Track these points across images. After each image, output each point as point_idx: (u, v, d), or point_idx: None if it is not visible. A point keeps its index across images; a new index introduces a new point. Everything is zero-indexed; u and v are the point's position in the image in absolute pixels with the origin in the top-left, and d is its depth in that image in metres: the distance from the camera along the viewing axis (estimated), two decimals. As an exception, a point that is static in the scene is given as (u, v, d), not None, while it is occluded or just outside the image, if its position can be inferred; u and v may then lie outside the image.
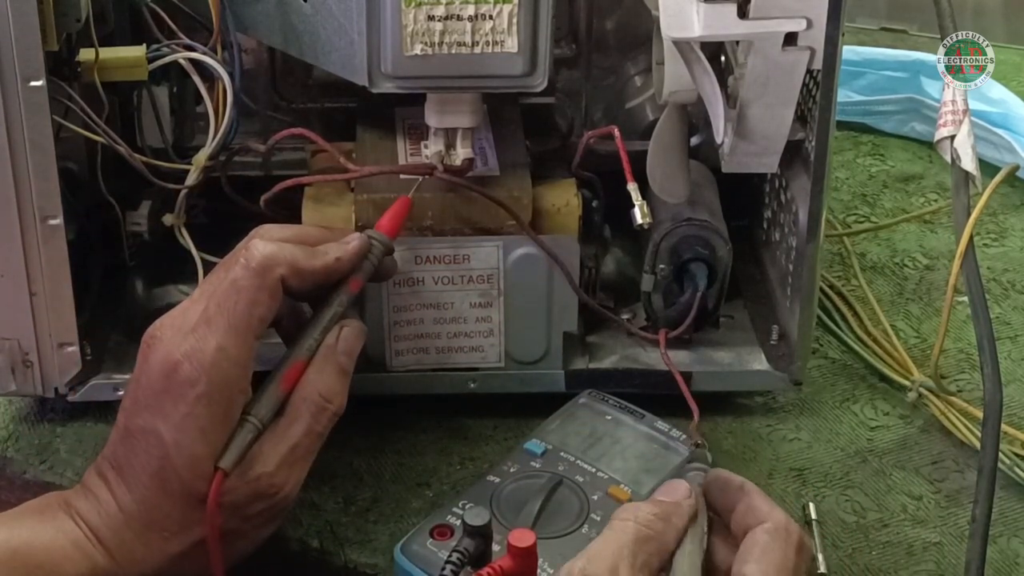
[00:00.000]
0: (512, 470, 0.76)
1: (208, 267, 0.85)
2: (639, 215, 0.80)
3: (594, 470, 0.76)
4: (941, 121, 0.72)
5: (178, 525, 0.68)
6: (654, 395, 0.82)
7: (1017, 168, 0.90)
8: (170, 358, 0.67)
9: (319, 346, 0.72)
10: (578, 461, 0.77)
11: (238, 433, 0.68)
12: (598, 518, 0.73)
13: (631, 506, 0.65)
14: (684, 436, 0.78)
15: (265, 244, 0.71)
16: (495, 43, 0.74)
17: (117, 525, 0.68)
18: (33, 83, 0.73)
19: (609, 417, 0.81)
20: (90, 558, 0.67)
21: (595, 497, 0.74)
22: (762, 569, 0.61)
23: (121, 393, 0.82)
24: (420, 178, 0.80)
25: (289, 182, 0.81)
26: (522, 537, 0.65)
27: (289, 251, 0.71)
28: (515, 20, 0.74)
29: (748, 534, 0.63)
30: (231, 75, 0.80)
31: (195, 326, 0.68)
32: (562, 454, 0.77)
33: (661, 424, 0.80)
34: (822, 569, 0.74)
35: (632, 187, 0.80)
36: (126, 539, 0.67)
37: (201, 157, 0.82)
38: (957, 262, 0.71)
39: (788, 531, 0.63)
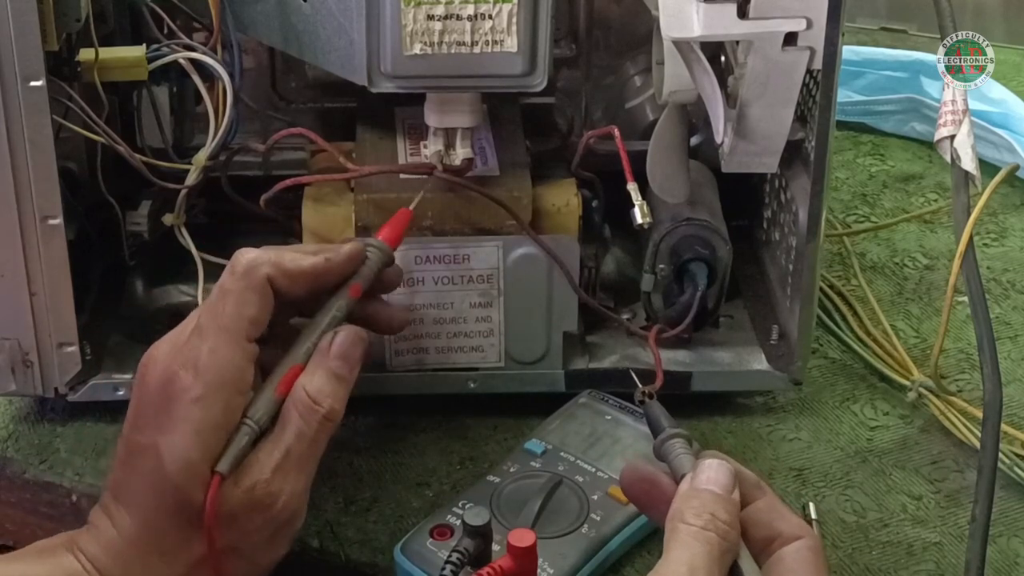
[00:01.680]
0: (512, 470, 0.76)
1: (208, 267, 0.85)
2: (639, 215, 0.80)
3: (594, 470, 0.76)
4: (941, 121, 0.72)
5: (177, 543, 0.66)
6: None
7: (1017, 168, 0.90)
8: (167, 371, 0.67)
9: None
10: (578, 461, 0.77)
11: (235, 436, 0.67)
12: (598, 518, 0.73)
13: (702, 504, 0.61)
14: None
15: (249, 250, 0.71)
16: (495, 43, 0.74)
17: (117, 553, 0.66)
18: (33, 83, 0.73)
19: (609, 417, 0.81)
20: None
21: (595, 497, 0.74)
22: None
23: (121, 393, 0.83)
24: (426, 182, 0.80)
25: (289, 182, 0.81)
26: (522, 537, 0.65)
27: (274, 252, 0.71)
28: (515, 20, 0.74)
29: (790, 547, 0.61)
30: (231, 75, 0.80)
31: (188, 338, 0.68)
32: (562, 454, 0.77)
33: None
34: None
35: (632, 187, 0.80)
36: (127, 566, 0.66)
37: (201, 157, 0.82)
38: (957, 262, 0.71)
39: (820, 548, 0.62)
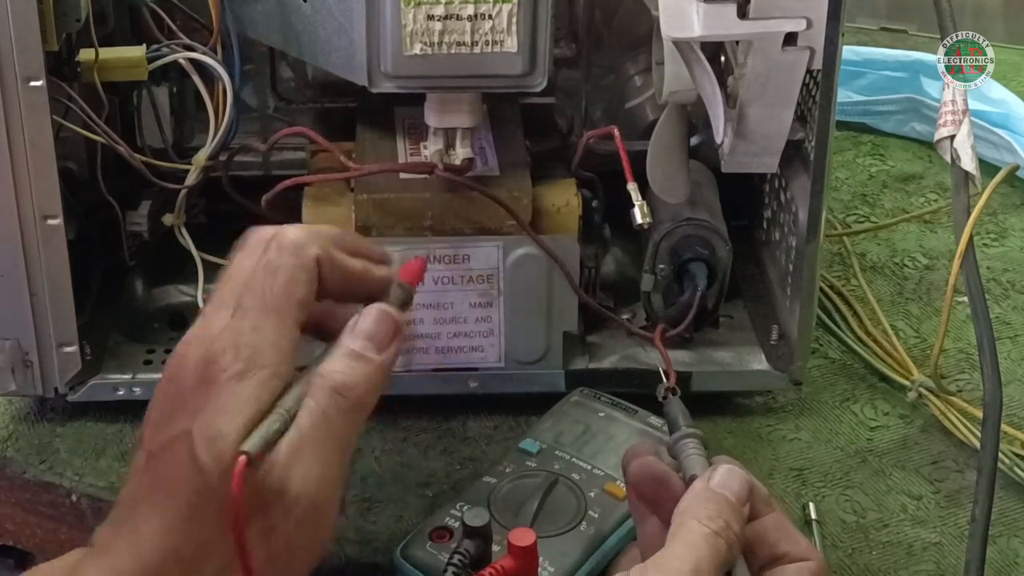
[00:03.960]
0: (508, 470, 0.76)
1: (208, 267, 0.85)
2: (639, 215, 0.80)
3: (590, 467, 0.76)
4: (941, 121, 0.72)
5: (204, 548, 0.58)
6: (654, 395, 0.82)
7: (1017, 168, 0.90)
8: (206, 356, 0.60)
9: None
10: (573, 459, 0.76)
11: (265, 420, 0.59)
12: (596, 515, 0.73)
13: (719, 509, 0.59)
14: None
15: (296, 227, 0.64)
16: (495, 43, 0.74)
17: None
18: (33, 83, 0.73)
19: (602, 414, 0.80)
20: None
21: (592, 494, 0.74)
22: None
23: (121, 393, 0.83)
24: (427, 182, 0.80)
25: (289, 182, 0.81)
26: (523, 536, 0.65)
27: (326, 231, 0.65)
28: (515, 20, 0.74)
29: (792, 567, 0.60)
30: (231, 75, 0.80)
31: (226, 322, 0.60)
32: (557, 452, 0.77)
33: (655, 420, 0.79)
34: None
35: (632, 187, 0.80)
36: None
37: (201, 157, 0.82)
38: (957, 262, 0.71)
39: (824, 574, 0.60)
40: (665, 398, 0.70)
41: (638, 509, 0.65)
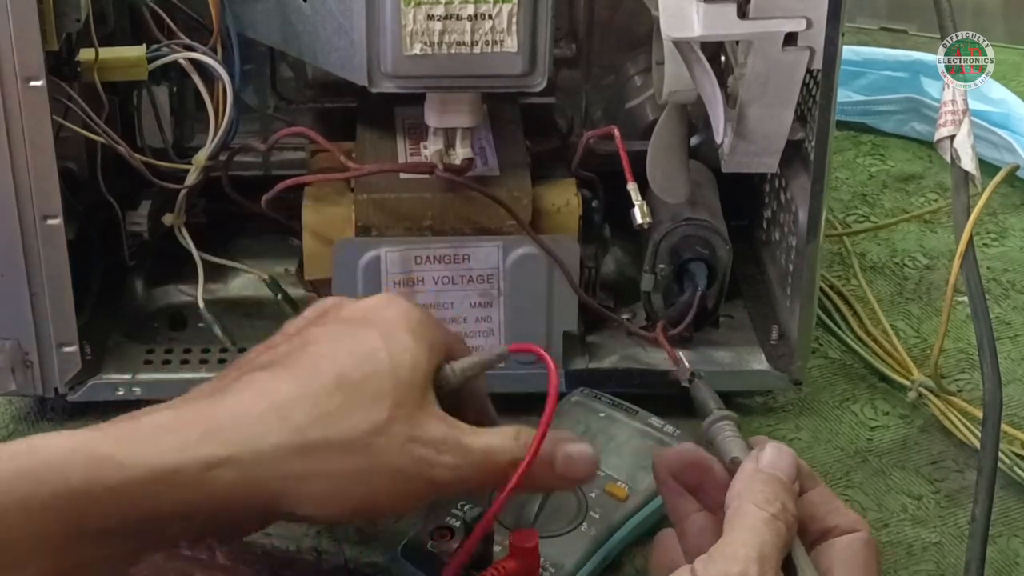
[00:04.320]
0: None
1: (208, 267, 0.85)
2: (639, 215, 0.80)
3: None
4: (941, 121, 0.72)
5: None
6: (654, 395, 0.82)
7: (1017, 168, 0.90)
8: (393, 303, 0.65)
9: None
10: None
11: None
12: (597, 516, 0.73)
13: (775, 492, 0.59)
14: (678, 432, 0.78)
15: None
16: (495, 43, 0.74)
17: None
18: (33, 83, 0.73)
19: (602, 414, 0.80)
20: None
21: (593, 495, 0.74)
22: None
23: (121, 393, 0.83)
24: (427, 182, 0.80)
25: (289, 182, 0.81)
26: (526, 538, 0.65)
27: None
28: (515, 20, 0.74)
29: (843, 538, 0.60)
30: (231, 75, 0.80)
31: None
32: None
33: (655, 420, 0.79)
34: None
35: (632, 187, 0.80)
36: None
37: (201, 157, 0.82)
38: (957, 262, 0.70)
39: (875, 544, 0.61)
40: (690, 382, 0.70)
41: (677, 505, 0.65)
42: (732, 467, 0.63)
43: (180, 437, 0.59)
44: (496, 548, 0.68)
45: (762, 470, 0.61)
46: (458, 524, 0.71)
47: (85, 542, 0.56)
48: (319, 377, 0.61)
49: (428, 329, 0.65)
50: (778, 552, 0.57)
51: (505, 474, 0.63)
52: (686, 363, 0.73)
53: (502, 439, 0.64)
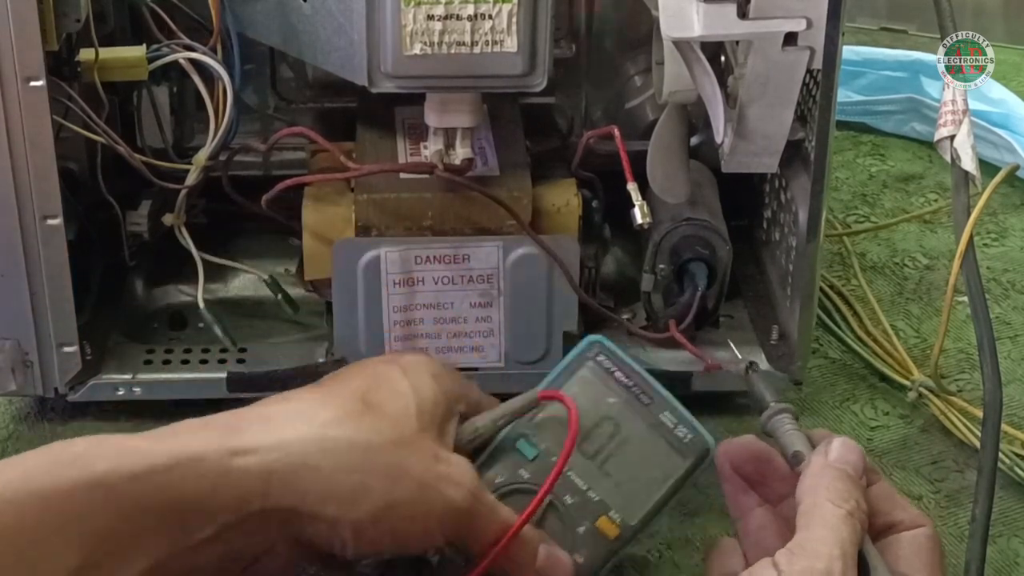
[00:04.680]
0: (499, 479, 0.67)
1: (208, 267, 0.85)
2: (639, 215, 0.80)
3: (585, 488, 0.67)
4: (941, 121, 0.72)
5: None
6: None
7: (1017, 168, 0.90)
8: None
9: None
10: (570, 473, 0.67)
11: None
12: (581, 559, 0.66)
13: (847, 489, 0.60)
14: (694, 435, 0.69)
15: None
16: (494, 43, 0.74)
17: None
18: (33, 83, 0.73)
19: (612, 399, 0.70)
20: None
21: (580, 531, 0.66)
22: None
23: (121, 393, 0.83)
24: (427, 182, 0.79)
25: (289, 182, 0.81)
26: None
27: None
28: (515, 20, 0.74)
29: (908, 533, 0.61)
30: (231, 75, 0.80)
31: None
32: (553, 461, 0.66)
33: (669, 416, 0.69)
34: None
35: (632, 187, 0.80)
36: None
37: (201, 157, 0.82)
38: (957, 262, 0.70)
39: (938, 540, 0.62)
40: (746, 373, 0.69)
41: (739, 500, 0.66)
42: (794, 461, 0.63)
43: (205, 432, 0.59)
44: None
45: (832, 465, 0.61)
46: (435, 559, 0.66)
47: (114, 533, 0.56)
48: (345, 393, 0.63)
49: (446, 374, 0.68)
50: (855, 548, 0.58)
51: (495, 539, 0.63)
52: (738, 354, 0.71)
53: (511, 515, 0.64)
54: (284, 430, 0.60)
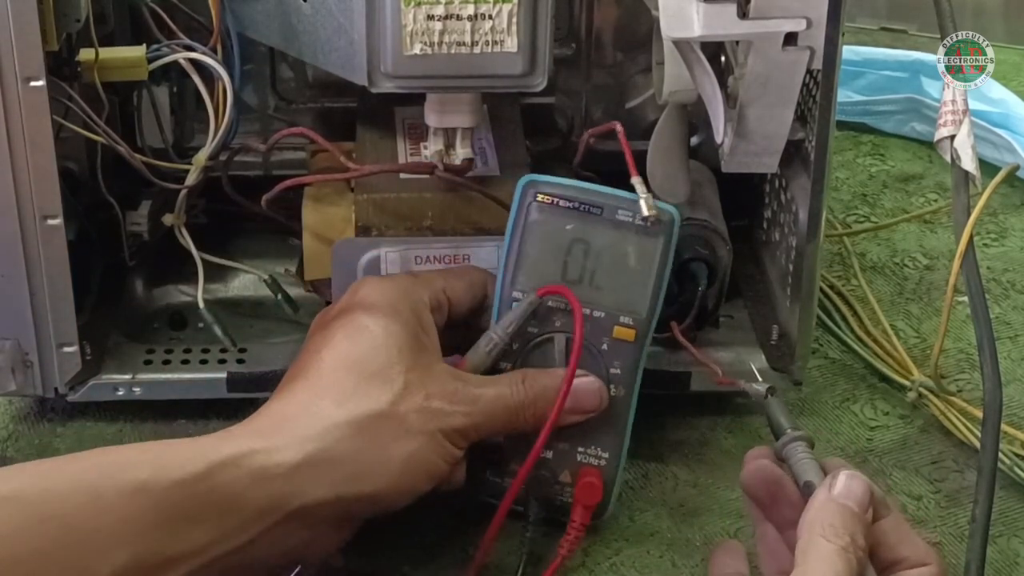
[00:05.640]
0: (515, 347, 0.73)
1: (208, 267, 0.85)
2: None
3: (588, 312, 0.73)
4: (941, 121, 0.72)
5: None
6: (654, 395, 0.82)
7: (1017, 168, 0.90)
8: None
9: None
10: (568, 307, 0.73)
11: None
12: (617, 371, 0.73)
13: (844, 524, 0.60)
14: (653, 213, 0.73)
15: None
16: (495, 43, 0.74)
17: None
18: (33, 83, 0.73)
19: (570, 225, 0.74)
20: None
21: (604, 347, 0.73)
22: None
23: (121, 393, 0.83)
24: (427, 182, 0.79)
25: (289, 182, 0.81)
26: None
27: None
28: (515, 20, 0.74)
29: (913, 572, 0.61)
30: (231, 75, 0.80)
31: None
32: (550, 303, 0.73)
33: (624, 212, 0.75)
34: None
35: (636, 180, 0.80)
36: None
37: (201, 157, 0.82)
38: (957, 262, 0.70)
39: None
40: (766, 398, 0.70)
41: (754, 509, 0.67)
42: (805, 491, 0.64)
43: (235, 435, 0.65)
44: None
45: (834, 499, 0.61)
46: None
47: (157, 537, 0.59)
48: (327, 371, 0.69)
49: (406, 292, 0.72)
50: None
51: (516, 416, 0.70)
52: (759, 377, 0.74)
53: (509, 385, 0.71)
54: (297, 429, 0.65)
